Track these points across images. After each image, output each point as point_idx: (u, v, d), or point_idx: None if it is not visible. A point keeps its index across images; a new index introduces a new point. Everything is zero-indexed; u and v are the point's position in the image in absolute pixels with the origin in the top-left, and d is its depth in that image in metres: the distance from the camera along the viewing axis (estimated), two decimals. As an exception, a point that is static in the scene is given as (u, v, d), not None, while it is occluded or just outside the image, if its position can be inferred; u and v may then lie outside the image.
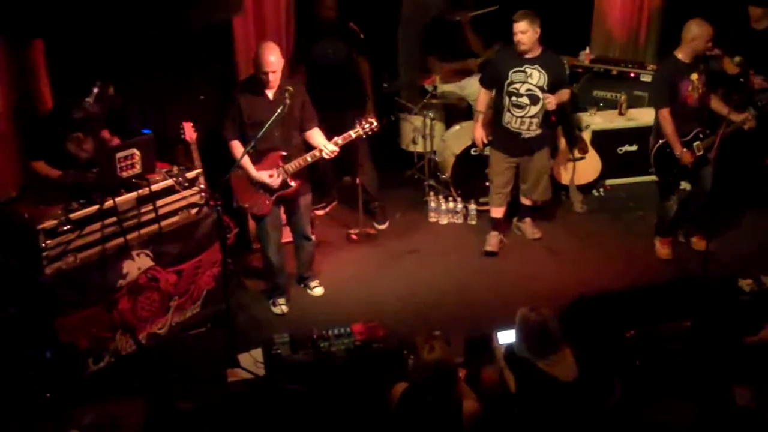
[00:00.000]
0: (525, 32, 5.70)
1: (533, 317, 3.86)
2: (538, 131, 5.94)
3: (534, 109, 5.85)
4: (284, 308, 5.64)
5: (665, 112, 5.67)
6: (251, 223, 6.23)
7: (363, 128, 5.21)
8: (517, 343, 3.97)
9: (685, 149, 5.66)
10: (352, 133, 5.22)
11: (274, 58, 5.05)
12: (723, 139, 5.60)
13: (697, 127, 5.69)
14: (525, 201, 6.44)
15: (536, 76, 5.80)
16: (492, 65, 6.18)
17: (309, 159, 5.22)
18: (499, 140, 6.11)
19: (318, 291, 5.80)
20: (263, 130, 4.93)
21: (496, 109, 6.05)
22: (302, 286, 5.84)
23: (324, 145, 5.20)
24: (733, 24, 6.39)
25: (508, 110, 5.90)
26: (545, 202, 6.48)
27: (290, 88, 5.09)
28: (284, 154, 5.23)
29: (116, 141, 5.33)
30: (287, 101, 5.00)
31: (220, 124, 5.29)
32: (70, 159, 5.05)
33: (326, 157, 5.23)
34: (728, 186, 6.32)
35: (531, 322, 3.86)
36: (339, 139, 5.21)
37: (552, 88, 5.84)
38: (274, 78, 5.10)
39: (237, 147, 5.20)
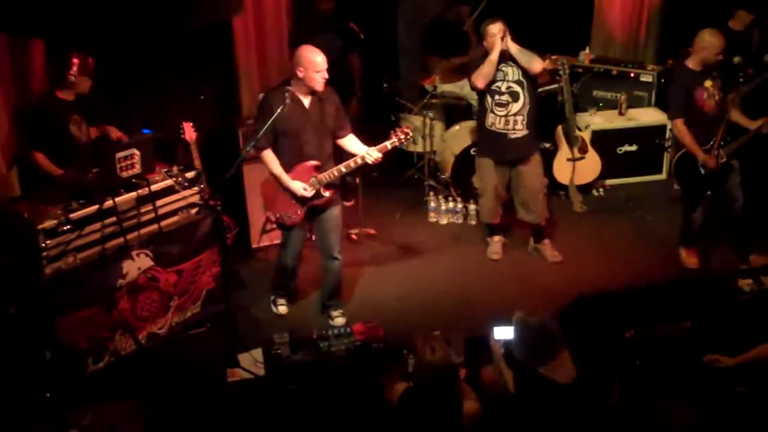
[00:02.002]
0: (503, 31, 5.64)
1: (532, 321, 3.84)
2: (525, 131, 5.84)
3: (516, 106, 5.78)
4: (284, 309, 5.61)
5: (679, 123, 5.63)
6: (251, 223, 6.24)
7: (399, 138, 5.03)
8: (516, 347, 3.96)
9: (708, 155, 5.58)
10: (388, 144, 5.04)
11: (322, 58, 4.92)
12: (744, 145, 5.59)
13: (718, 134, 5.58)
14: (524, 219, 6.23)
15: (511, 72, 5.75)
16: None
17: (344, 169, 5.06)
18: (486, 146, 6.03)
19: (339, 321, 5.45)
20: (262, 129, 4.85)
21: (480, 114, 5.98)
22: (324, 315, 5.54)
23: (367, 152, 5.02)
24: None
25: (492, 111, 5.82)
26: (542, 223, 6.21)
27: (290, 88, 4.99)
28: (317, 163, 5.06)
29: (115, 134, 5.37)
30: (287, 101, 4.87)
31: (231, 129, 5.19)
32: (70, 146, 5.07)
33: (370, 163, 5.06)
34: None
35: (530, 327, 3.84)
36: (374, 150, 5.05)
37: (528, 78, 5.74)
38: (325, 79, 4.95)
39: (269, 158, 5.06)
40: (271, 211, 5.26)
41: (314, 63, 4.90)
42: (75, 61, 5.06)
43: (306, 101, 5.03)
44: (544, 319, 3.85)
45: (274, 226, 6.20)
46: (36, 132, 5.09)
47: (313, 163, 5.07)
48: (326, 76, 4.94)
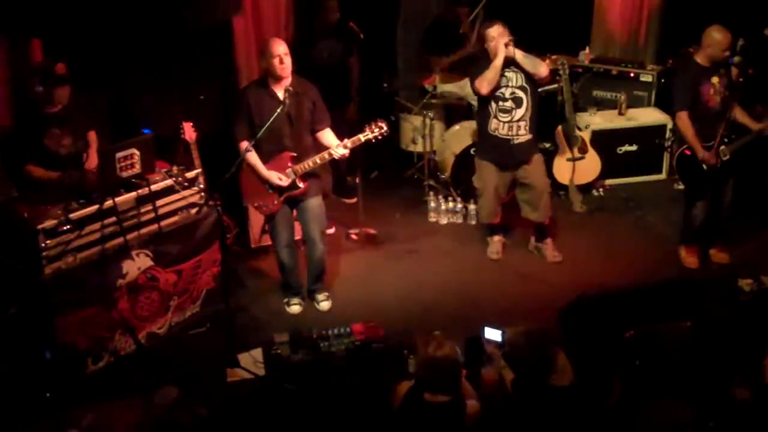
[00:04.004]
0: (503, 34, 5.61)
1: (522, 340, 3.88)
2: (528, 136, 5.83)
3: (520, 112, 5.75)
4: (297, 308, 5.62)
5: (684, 115, 5.60)
6: (251, 223, 6.25)
7: (373, 132, 5.12)
8: (513, 361, 4.00)
9: (708, 152, 5.58)
10: (362, 137, 5.13)
11: (283, 47, 5.05)
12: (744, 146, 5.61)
13: (721, 131, 5.59)
14: (528, 217, 6.21)
15: (514, 78, 5.73)
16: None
17: (318, 161, 5.17)
18: (487, 150, 6.00)
19: (325, 305, 5.62)
20: (263, 128, 4.93)
21: (482, 118, 5.94)
22: (310, 299, 5.68)
23: (334, 147, 5.15)
24: (745, 30, 6.35)
25: (495, 117, 5.80)
26: (545, 221, 6.19)
27: (290, 87, 5.07)
28: (294, 155, 5.18)
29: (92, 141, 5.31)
30: (287, 100, 5.00)
31: (230, 126, 5.23)
32: (49, 160, 5.06)
33: (337, 157, 5.19)
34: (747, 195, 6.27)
35: (521, 346, 3.88)
36: (348, 142, 5.14)
37: (531, 83, 5.73)
38: (287, 64, 5.04)
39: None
40: (249, 201, 5.43)
41: (271, 48, 5.03)
42: (38, 72, 5.08)
43: (280, 94, 5.10)
44: (535, 337, 3.89)
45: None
46: (18, 146, 5.10)
47: (290, 154, 5.19)
48: (285, 61, 5.04)
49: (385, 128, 5.17)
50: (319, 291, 5.67)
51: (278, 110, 4.95)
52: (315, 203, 5.39)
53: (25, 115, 5.25)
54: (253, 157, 5.15)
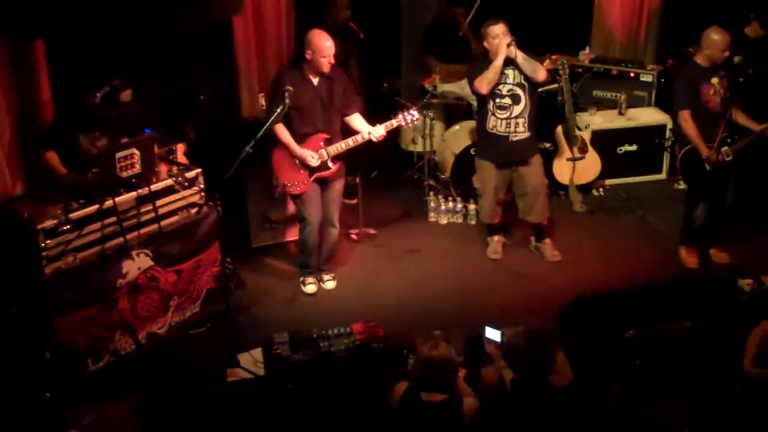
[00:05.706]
0: (506, 34, 5.63)
1: (522, 341, 3.91)
2: (526, 134, 5.83)
3: (517, 109, 5.77)
4: (312, 288, 5.78)
5: (686, 114, 5.62)
6: (251, 223, 6.25)
7: (405, 118, 5.44)
8: (514, 361, 4.02)
9: (712, 151, 5.59)
10: (394, 122, 5.43)
11: (330, 43, 5.22)
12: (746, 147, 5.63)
13: (723, 132, 5.59)
14: (525, 219, 6.23)
15: (512, 75, 5.74)
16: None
17: (351, 143, 5.41)
18: (486, 149, 6.01)
19: (330, 285, 5.86)
20: (266, 125, 5.03)
21: (481, 117, 5.96)
22: (317, 277, 5.90)
23: (371, 130, 5.38)
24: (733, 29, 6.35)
25: (493, 114, 5.81)
26: (542, 223, 6.20)
27: (290, 87, 5.12)
28: (327, 137, 5.39)
29: None
30: (287, 101, 5.07)
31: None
32: (78, 156, 5.06)
33: (374, 140, 5.40)
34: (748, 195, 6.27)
35: (525, 349, 3.90)
36: (381, 127, 5.40)
37: (529, 80, 5.72)
38: (330, 63, 5.26)
39: (280, 130, 5.32)
40: (279, 179, 5.61)
41: (322, 48, 5.23)
42: (106, 87, 5.16)
43: (315, 80, 5.35)
44: (531, 337, 3.91)
45: (275, 226, 6.24)
46: (51, 133, 5.14)
47: (323, 135, 5.40)
48: (333, 60, 5.26)
49: (417, 115, 5.52)
50: (327, 272, 5.90)
51: (278, 110, 5.04)
52: (339, 186, 5.64)
53: (70, 106, 5.28)
54: (285, 136, 5.34)
